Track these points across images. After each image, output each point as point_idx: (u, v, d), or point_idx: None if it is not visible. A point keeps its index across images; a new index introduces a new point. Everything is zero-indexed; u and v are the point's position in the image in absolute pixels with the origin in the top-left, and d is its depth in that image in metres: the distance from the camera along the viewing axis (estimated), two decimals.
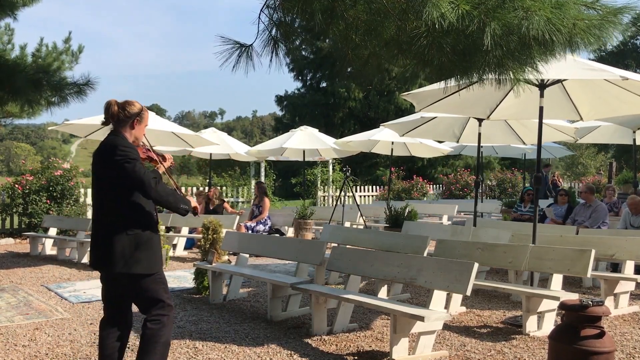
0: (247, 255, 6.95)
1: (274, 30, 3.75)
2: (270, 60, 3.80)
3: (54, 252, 10.19)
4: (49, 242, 10.40)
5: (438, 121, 9.37)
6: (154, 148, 3.69)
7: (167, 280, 3.50)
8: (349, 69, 4.26)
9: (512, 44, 3.25)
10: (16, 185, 12.54)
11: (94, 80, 8.01)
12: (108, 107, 3.39)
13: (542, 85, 6.07)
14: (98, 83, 8.07)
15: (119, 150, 3.24)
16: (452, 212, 12.77)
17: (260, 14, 3.68)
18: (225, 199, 15.75)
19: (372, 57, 3.82)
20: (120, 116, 3.37)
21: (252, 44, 3.80)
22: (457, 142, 10.35)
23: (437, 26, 3.09)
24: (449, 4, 3.07)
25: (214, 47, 3.72)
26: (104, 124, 3.42)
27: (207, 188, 14.35)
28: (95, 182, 3.38)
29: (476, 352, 4.59)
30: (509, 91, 6.96)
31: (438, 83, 4.28)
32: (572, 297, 4.78)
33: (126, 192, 3.28)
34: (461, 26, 3.12)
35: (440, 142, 13.39)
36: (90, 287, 7.13)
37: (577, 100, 7.00)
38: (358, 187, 21.61)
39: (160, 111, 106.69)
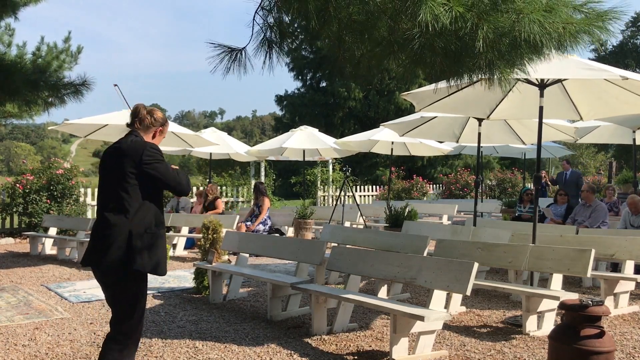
0: (247, 255, 6.95)
1: (268, 32, 3.75)
2: (264, 62, 3.79)
3: (54, 251, 10.19)
4: (49, 242, 10.40)
5: (438, 121, 9.37)
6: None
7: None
8: (346, 70, 4.27)
9: (503, 46, 3.26)
10: (16, 185, 12.54)
11: (90, 80, 8.04)
12: (137, 110, 3.47)
13: (542, 85, 6.07)
14: (94, 84, 8.12)
15: (147, 151, 3.26)
16: (452, 212, 12.77)
17: (254, 16, 3.67)
18: (225, 199, 15.76)
19: (365, 58, 3.81)
20: (147, 122, 3.45)
21: (244, 48, 3.78)
22: (457, 142, 10.33)
23: (430, 28, 3.09)
24: (442, 5, 3.07)
25: (207, 51, 3.71)
26: (129, 126, 3.49)
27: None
28: (109, 179, 3.31)
29: (476, 351, 4.59)
30: (509, 91, 6.97)
31: (436, 83, 4.29)
32: (572, 297, 4.78)
33: (151, 191, 3.28)
34: (454, 28, 3.13)
35: (440, 142, 13.38)
36: (90, 286, 7.13)
37: (577, 100, 7.00)
38: (358, 187, 21.61)
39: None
